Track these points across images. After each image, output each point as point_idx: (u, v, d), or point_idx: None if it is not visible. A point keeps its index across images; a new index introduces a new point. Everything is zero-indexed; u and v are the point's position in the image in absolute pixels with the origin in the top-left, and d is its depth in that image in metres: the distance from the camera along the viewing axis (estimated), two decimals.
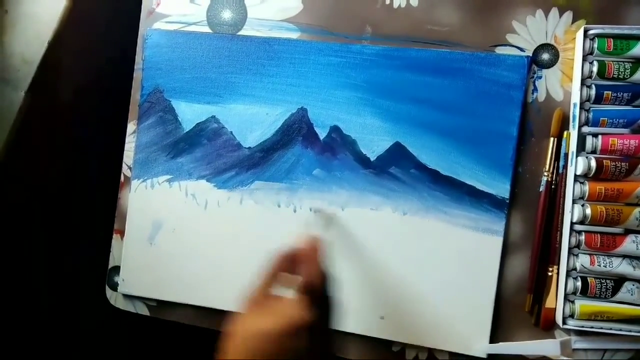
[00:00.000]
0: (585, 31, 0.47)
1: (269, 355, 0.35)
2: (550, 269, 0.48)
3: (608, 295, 0.46)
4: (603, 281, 0.46)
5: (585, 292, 0.46)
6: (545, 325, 0.49)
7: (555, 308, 0.48)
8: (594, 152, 0.47)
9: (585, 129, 0.47)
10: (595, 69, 0.46)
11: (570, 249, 0.47)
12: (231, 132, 0.55)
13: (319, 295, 0.39)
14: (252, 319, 0.37)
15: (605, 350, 0.48)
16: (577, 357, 0.49)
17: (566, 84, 0.49)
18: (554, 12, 0.50)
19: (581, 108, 0.47)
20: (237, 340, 0.36)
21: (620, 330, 0.46)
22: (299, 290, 0.38)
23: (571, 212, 0.47)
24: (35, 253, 0.61)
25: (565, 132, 0.48)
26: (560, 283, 0.48)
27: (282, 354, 0.35)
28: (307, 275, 0.39)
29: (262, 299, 0.38)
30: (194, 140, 0.56)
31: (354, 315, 0.52)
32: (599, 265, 0.46)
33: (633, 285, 0.46)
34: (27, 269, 0.61)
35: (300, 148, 0.54)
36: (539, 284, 0.49)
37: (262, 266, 0.40)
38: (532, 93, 0.50)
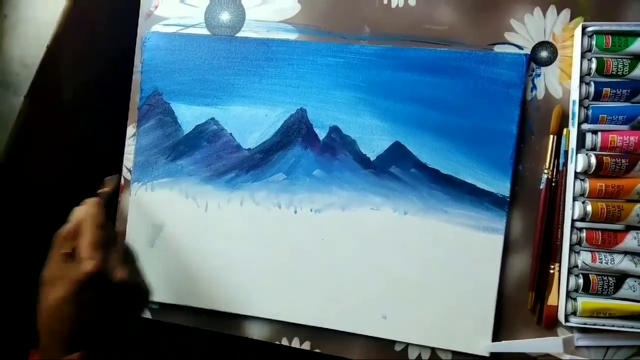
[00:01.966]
0: (584, 28, 0.47)
1: (75, 315, 0.38)
2: (552, 266, 0.48)
3: (610, 292, 0.46)
4: (605, 278, 0.46)
5: (587, 289, 0.46)
6: (548, 323, 0.49)
7: (558, 306, 0.48)
8: (593, 149, 0.47)
9: (585, 126, 0.47)
10: (594, 66, 0.46)
11: (571, 246, 0.47)
12: (231, 133, 0.55)
13: (107, 245, 0.41)
14: (48, 292, 0.39)
15: (608, 347, 0.48)
16: (580, 355, 0.49)
17: (565, 81, 0.49)
18: (552, 9, 0.50)
19: (580, 105, 0.47)
20: (43, 317, 0.39)
21: (623, 327, 0.46)
22: (80, 252, 0.40)
23: (572, 210, 0.47)
24: (35, 257, 0.61)
25: (564, 130, 0.48)
26: (562, 280, 0.47)
27: (83, 311, 0.38)
28: (86, 236, 0.41)
29: (54, 273, 0.40)
30: (193, 143, 0.56)
31: (356, 315, 0.52)
32: (601, 262, 0.46)
33: (635, 281, 0.46)
34: (27, 272, 0.61)
35: (300, 149, 0.54)
36: (541, 282, 0.49)
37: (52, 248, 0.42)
38: (531, 91, 0.50)
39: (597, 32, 0.47)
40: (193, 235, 0.56)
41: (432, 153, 0.51)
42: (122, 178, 0.58)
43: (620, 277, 0.46)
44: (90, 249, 0.40)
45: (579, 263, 0.47)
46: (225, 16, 0.56)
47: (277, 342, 0.55)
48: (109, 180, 0.53)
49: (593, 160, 0.46)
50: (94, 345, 0.39)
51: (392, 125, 0.52)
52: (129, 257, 0.44)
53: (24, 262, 0.59)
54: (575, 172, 0.47)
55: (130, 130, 0.58)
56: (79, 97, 0.61)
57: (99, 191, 0.51)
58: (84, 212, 0.43)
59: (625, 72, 0.46)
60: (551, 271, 0.48)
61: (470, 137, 0.50)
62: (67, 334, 0.38)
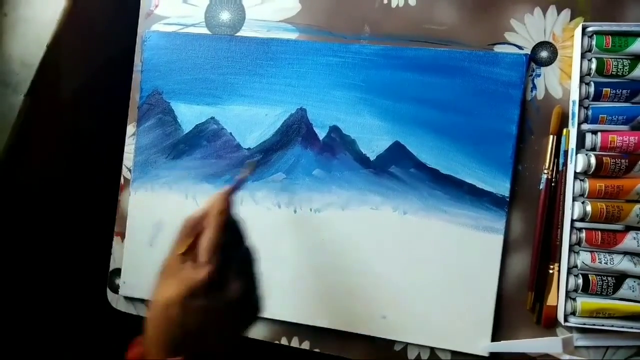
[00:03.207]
0: (584, 28, 0.47)
1: (181, 319, 0.36)
2: (551, 266, 0.48)
3: (609, 293, 0.46)
4: (604, 278, 0.46)
5: (586, 289, 0.46)
6: (547, 323, 0.49)
7: (557, 306, 0.48)
8: (593, 149, 0.47)
9: (585, 126, 0.47)
10: (593, 66, 0.46)
11: (571, 246, 0.47)
12: (230, 133, 0.55)
13: (229, 250, 0.39)
14: (161, 288, 0.38)
15: (607, 348, 0.48)
16: (579, 355, 0.49)
17: (565, 81, 0.49)
18: (552, 9, 0.50)
19: (580, 105, 0.47)
20: (152, 312, 0.37)
21: (622, 327, 0.46)
22: (202, 252, 0.38)
23: (571, 210, 0.47)
24: (35, 256, 0.61)
25: (564, 130, 0.48)
26: (562, 281, 0.47)
27: (189, 317, 0.36)
28: (208, 236, 0.38)
29: (172, 268, 0.39)
30: (193, 142, 0.56)
31: (356, 315, 0.52)
32: (600, 263, 0.46)
33: (634, 282, 0.46)
34: (27, 271, 0.61)
35: (299, 148, 0.54)
36: (540, 282, 0.49)
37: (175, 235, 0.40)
38: (531, 91, 0.50)
39: (597, 33, 0.47)
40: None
41: (431, 153, 0.51)
42: (122, 177, 0.58)
43: (620, 278, 0.46)
44: (209, 253, 0.37)
45: (579, 263, 0.47)
46: (225, 15, 0.56)
47: (276, 342, 0.55)
48: (248, 163, 0.51)
49: (593, 160, 0.46)
50: (195, 353, 0.37)
51: (392, 125, 0.52)
52: (247, 267, 0.40)
53: (23, 261, 0.59)
54: (575, 172, 0.47)
55: (130, 129, 0.58)
56: (79, 96, 0.61)
57: (237, 177, 0.48)
58: (213, 203, 0.40)
59: (625, 73, 0.46)
60: (550, 271, 0.48)
61: (470, 137, 0.50)
62: (172, 335, 0.36)
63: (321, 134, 0.53)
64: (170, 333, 0.36)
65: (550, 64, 0.50)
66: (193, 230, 0.40)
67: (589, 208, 0.46)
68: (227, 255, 0.38)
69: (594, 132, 0.47)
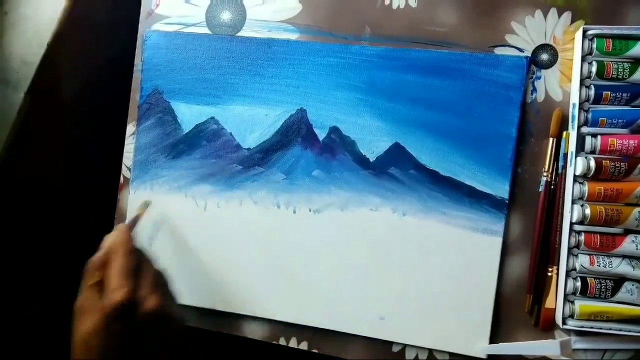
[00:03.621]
0: (584, 31, 0.47)
1: (103, 347, 0.37)
2: (550, 269, 0.48)
3: (608, 296, 0.46)
4: (603, 281, 0.46)
5: (584, 292, 0.46)
6: (545, 326, 0.49)
7: (555, 308, 0.48)
8: (593, 152, 0.47)
9: (585, 129, 0.47)
10: (594, 69, 0.46)
11: (569, 249, 0.47)
12: (230, 133, 0.55)
13: (138, 272, 0.41)
14: (78, 325, 0.39)
15: (605, 350, 0.48)
16: (577, 357, 0.49)
17: (565, 84, 0.49)
18: (553, 12, 0.50)
19: (580, 108, 0.47)
20: (75, 349, 0.38)
21: (620, 330, 0.46)
22: (109, 281, 0.39)
23: (570, 213, 0.47)
24: (34, 254, 0.61)
25: (564, 133, 0.49)
26: (560, 283, 0.48)
27: (114, 342, 0.37)
28: (116, 264, 0.40)
29: (84, 304, 0.40)
30: (193, 142, 0.56)
31: (353, 316, 0.52)
32: (599, 266, 0.46)
33: (633, 285, 0.46)
34: (26, 269, 0.61)
35: (299, 149, 0.54)
36: (539, 285, 0.49)
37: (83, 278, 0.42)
38: (531, 93, 0.50)
39: (597, 36, 0.47)
40: (192, 234, 0.56)
41: (431, 154, 0.51)
42: (122, 176, 0.58)
43: (618, 281, 0.46)
44: (120, 278, 0.39)
45: (577, 266, 0.47)
46: (226, 15, 0.56)
47: (274, 342, 0.55)
48: (141, 205, 0.54)
49: (592, 163, 0.46)
50: None
51: (392, 126, 0.52)
52: (160, 284, 0.42)
53: (22, 260, 0.59)
54: (575, 175, 0.47)
55: (130, 128, 0.58)
56: (79, 94, 0.61)
57: (133, 216, 0.52)
58: (113, 239, 0.42)
59: (626, 76, 0.46)
60: (549, 274, 0.48)
61: (469, 139, 0.50)
62: None
63: (321, 135, 0.53)
64: None
65: (551, 66, 0.50)
66: (99, 266, 0.41)
67: (588, 211, 0.46)
68: (138, 277, 0.40)
69: (594, 135, 0.47)
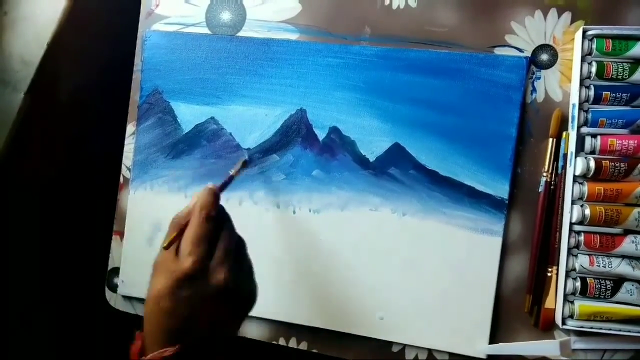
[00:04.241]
0: (584, 32, 0.47)
1: (172, 310, 0.38)
2: (550, 269, 0.48)
3: (607, 296, 0.46)
4: (602, 281, 0.46)
5: (584, 292, 0.46)
6: (545, 326, 0.49)
7: (555, 308, 0.48)
8: (592, 152, 0.47)
9: (584, 130, 0.47)
10: (594, 69, 0.46)
11: (569, 249, 0.47)
12: (230, 133, 0.55)
13: (213, 242, 0.40)
14: (152, 283, 0.39)
15: (604, 351, 0.48)
16: (577, 358, 0.49)
17: (565, 84, 0.49)
18: (553, 12, 0.50)
19: (580, 109, 0.47)
20: (146, 307, 0.39)
21: (620, 330, 0.46)
22: (184, 244, 0.39)
23: (570, 213, 0.47)
24: (33, 254, 0.61)
25: (564, 133, 0.49)
26: (560, 283, 0.48)
27: (181, 307, 0.38)
28: (191, 229, 0.40)
29: (160, 263, 0.40)
30: (193, 142, 0.56)
31: (353, 316, 0.52)
32: (598, 266, 0.46)
33: (632, 285, 0.46)
34: (25, 270, 0.61)
35: (299, 149, 0.54)
36: (538, 285, 0.49)
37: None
38: (531, 94, 0.50)
39: (597, 36, 0.47)
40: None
41: (431, 154, 0.51)
42: (122, 176, 0.58)
43: (618, 281, 0.46)
44: (193, 245, 0.39)
45: (577, 266, 0.47)
46: (226, 15, 0.56)
47: (274, 342, 0.55)
48: (237, 165, 0.51)
49: (592, 163, 0.46)
50: (192, 341, 0.38)
51: (391, 126, 0.52)
52: (232, 256, 0.41)
53: (22, 259, 0.59)
54: (574, 176, 0.47)
55: (130, 128, 0.58)
56: (79, 94, 0.61)
57: (227, 173, 0.49)
58: (199, 199, 0.42)
59: (625, 76, 0.46)
60: (549, 274, 0.49)
61: (469, 139, 0.50)
62: (166, 325, 0.38)
63: (321, 135, 0.53)
64: (164, 324, 0.38)
65: (551, 66, 0.50)
66: (177, 226, 0.41)
67: (587, 211, 0.46)
68: (213, 245, 0.40)
69: (594, 136, 0.47)
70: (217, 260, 0.39)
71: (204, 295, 0.38)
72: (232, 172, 0.50)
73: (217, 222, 0.41)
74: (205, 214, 0.40)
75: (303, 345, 0.54)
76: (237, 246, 0.42)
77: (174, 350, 0.37)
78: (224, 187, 0.46)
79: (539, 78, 0.50)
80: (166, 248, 0.40)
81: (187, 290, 0.38)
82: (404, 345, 0.52)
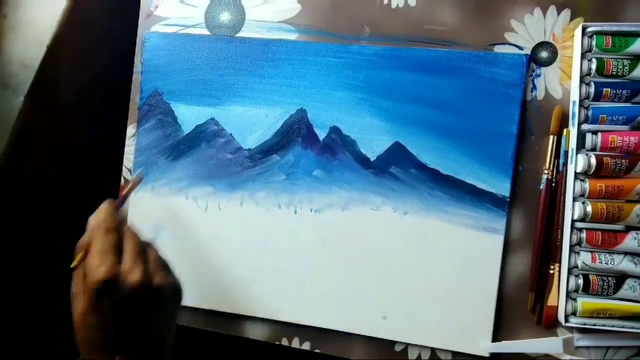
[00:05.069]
0: (584, 29, 0.47)
1: (99, 323, 0.38)
2: (552, 266, 0.48)
3: (610, 293, 0.46)
4: (605, 278, 0.46)
5: (587, 289, 0.46)
6: (548, 324, 0.49)
7: (557, 306, 0.48)
8: (593, 149, 0.47)
9: (585, 127, 0.47)
10: (594, 66, 0.46)
11: (571, 246, 0.47)
12: (231, 134, 0.55)
13: (120, 248, 0.41)
14: (74, 308, 0.40)
15: (608, 348, 0.48)
16: (580, 355, 0.49)
17: (565, 81, 0.49)
18: (552, 10, 0.50)
19: (580, 105, 0.47)
20: (76, 330, 0.40)
21: (623, 327, 0.46)
22: (89, 260, 0.40)
23: (572, 210, 0.47)
24: (34, 257, 0.61)
25: (564, 130, 0.48)
26: (562, 281, 0.47)
27: (106, 318, 0.38)
28: (96, 244, 0.41)
29: (76, 287, 0.41)
30: (193, 143, 0.56)
31: (356, 315, 0.52)
32: (601, 263, 0.46)
33: (635, 282, 0.46)
34: (27, 272, 0.61)
35: (300, 149, 0.54)
36: (541, 282, 0.49)
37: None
38: (531, 91, 0.50)
39: (597, 33, 0.47)
40: (193, 235, 0.56)
41: (432, 153, 0.51)
42: (122, 178, 0.58)
43: (620, 278, 0.46)
44: (100, 255, 0.40)
45: (579, 263, 0.47)
46: (225, 16, 0.56)
47: (277, 343, 0.55)
48: (132, 179, 0.53)
49: (593, 160, 0.46)
50: (129, 350, 0.39)
51: (392, 125, 0.52)
52: (146, 256, 0.42)
53: (23, 262, 0.59)
54: (575, 173, 0.47)
55: (130, 130, 0.58)
56: (79, 97, 0.61)
57: (123, 192, 0.52)
58: (94, 219, 0.43)
59: (625, 73, 0.46)
60: (551, 271, 0.48)
61: (470, 137, 0.50)
62: (99, 342, 0.38)
63: (321, 135, 0.53)
64: (97, 340, 0.39)
65: (551, 64, 0.50)
66: (82, 247, 0.42)
67: (589, 208, 0.46)
68: (121, 251, 0.41)
69: (594, 133, 0.47)
70: (128, 263, 0.40)
71: (124, 299, 0.39)
72: (127, 188, 0.52)
73: (118, 233, 0.42)
74: (105, 227, 0.42)
75: (306, 346, 0.54)
76: (149, 246, 0.44)
77: None
78: (119, 202, 0.49)
79: (539, 75, 0.50)
80: (74, 268, 0.41)
81: (106, 299, 0.38)
82: (407, 344, 0.52)
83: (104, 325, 0.38)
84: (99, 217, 0.43)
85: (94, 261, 0.39)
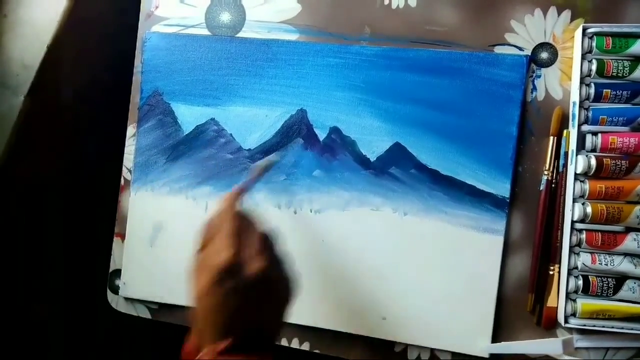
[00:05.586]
0: (584, 30, 0.47)
1: (217, 304, 0.38)
2: (552, 267, 0.48)
3: (610, 294, 0.46)
4: (604, 279, 0.46)
5: (586, 290, 0.46)
6: (547, 324, 0.49)
7: (557, 307, 0.48)
8: (593, 150, 0.47)
9: (585, 128, 0.47)
10: (594, 67, 0.46)
11: (571, 247, 0.47)
12: (231, 134, 0.55)
13: (245, 236, 0.41)
14: (193, 283, 0.40)
15: (607, 349, 0.48)
16: (579, 356, 0.49)
17: (565, 82, 0.49)
18: (553, 11, 0.50)
19: (580, 106, 0.47)
20: (193, 307, 0.40)
21: (622, 328, 0.46)
22: (217, 243, 0.41)
23: (572, 211, 0.47)
24: (35, 256, 0.61)
25: (564, 131, 0.48)
26: (562, 282, 0.47)
27: (223, 300, 0.38)
28: (223, 228, 0.41)
29: (197, 264, 0.41)
30: (193, 143, 0.56)
31: (356, 316, 0.52)
32: (600, 264, 0.46)
33: (634, 283, 0.46)
34: (27, 272, 0.61)
35: (300, 149, 0.54)
36: (541, 283, 0.49)
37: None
38: (532, 92, 0.50)
39: (597, 34, 0.47)
40: (193, 235, 0.56)
41: (432, 154, 0.51)
42: (122, 178, 0.58)
43: (620, 279, 0.46)
44: (225, 241, 0.40)
45: (579, 264, 0.47)
46: (225, 16, 0.56)
47: (276, 343, 0.55)
48: (259, 165, 0.52)
49: (593, 161, 0.46)
50: (242, 333, 0.39)
51: (392, 126, 0.52)
52: (267, 247, 0.42)
53: (23, 262, 0.59)
54: (575, 174, 0.47)
55: (131, 130, 0.58)
56: (79, 97, 0.61)
57: (247, 178, 0.51)
58: (220, 204, 0.44)
59: (626, 74, 0.46)
60: (551, 272, 0.48)
61: (470, 138, 0.50)
62: (215, 321, 0.39)
63: (321, 135, 0.53)
64: (212, 320, 0.39)
65: (551, 65, 0.50)
66: (207, 230, 0.42)
67: (589, 209, 0.46)
68: (244, 239, 0.41)
69: (594, 134, 0.47)
70: (252, 251, 0.40)
71: (246, 285, 0.39)
72: (253, 174, 0.50)
73: (245, 219, 0.43)
74: (231, 214, 0.42)
75: (305, 346, 0.54)
76: (271, 237, 0.44)
77: (227, 344, 0.37)
78: (243, 188, 0.47)
79: (539, 76, 0.50)
80: (200, 251, 0.41)
81: (228, 283, 0.38)
82: (406, 345, 0.52)
83: (221, 307, 0.39)
84: (224, 204, 0.43)
85: (220, 243, 0.40)
